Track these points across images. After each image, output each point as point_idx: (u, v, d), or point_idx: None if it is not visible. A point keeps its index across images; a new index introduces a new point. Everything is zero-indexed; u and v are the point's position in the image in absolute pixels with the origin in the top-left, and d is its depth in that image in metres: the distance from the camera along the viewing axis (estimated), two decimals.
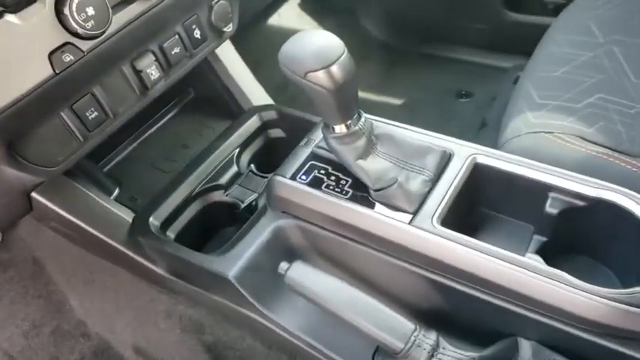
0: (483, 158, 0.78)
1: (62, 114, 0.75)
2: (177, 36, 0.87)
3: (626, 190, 0.71)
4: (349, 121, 0.75)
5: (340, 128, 0.75)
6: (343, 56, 0.68)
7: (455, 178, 0.76)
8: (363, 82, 1.60)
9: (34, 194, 0.87)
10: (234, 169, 0.99)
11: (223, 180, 0.98)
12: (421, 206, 0.74)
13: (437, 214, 0.72)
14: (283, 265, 0.75)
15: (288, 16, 1.68)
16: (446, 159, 0.79)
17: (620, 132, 0.94)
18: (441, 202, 0.74)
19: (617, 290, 0.63)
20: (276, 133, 1.07)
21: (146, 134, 1.11)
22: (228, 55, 1.08)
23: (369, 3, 1.75)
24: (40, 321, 1.14)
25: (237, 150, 1.02)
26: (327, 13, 1.73)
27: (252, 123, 1.05)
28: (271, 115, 1.06)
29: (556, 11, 1.28)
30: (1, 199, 0.80)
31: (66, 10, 0.66)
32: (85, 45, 0.70)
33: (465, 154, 0.79)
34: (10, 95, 0.65)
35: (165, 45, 0.85)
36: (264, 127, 1.06)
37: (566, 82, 1.03)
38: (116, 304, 1.08)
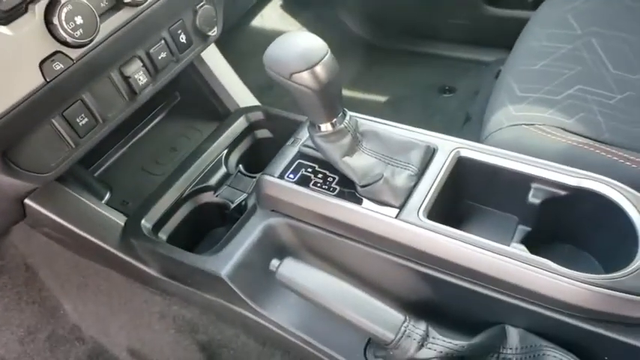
0: (466, 152, 0.80)
1: (53, 121, 0.77)
2: (163, 41, 0.88)
3: (606, 179, 0.73)
4: (334, 120, 0.77)
5: (326, 127, 0.77)
6: (327, 57, 0.69)
7: (439, 172, 0.78)
8: (346, 81, 1.62)
9: (27, 201, 0.88)
10: (222, 170, 1.01)
11: (213, 181, 0.99)
12: (407, 200, 0.76)
13: (423, 208, 0.74)
14: (274, 263, 0.76)
15: (271, 17, 1.69)
16: (430, 154, 0.81)
17: (599, 122, 0.96)
18: (426, 196, 0.76)
19: (600, 276, 0.65)
20: (263, 133, 1.09)
21: (135, 139, 1.12)
22: (213, 57, 1.09)
23: (349, 2, 1.76)
24: (35, 327, 1.14)
25: (226, 151, 1.03)
26: (308, 13, 1.75)
27: (239, 124, 1.06)
28: (258, 115, 1.07)
29: (535, 5, 1.30)
30: None
31: (55, 20, 0.68)
32: (74, 53, 0.72)
33: (449, 148, 0.81)
34: (3, 105, 0.67)
35: (151, 50, 0.87)
36: (251, 127, 1.08)
37: (546, 74, 1.06)
38: (110, 307, 1.09)
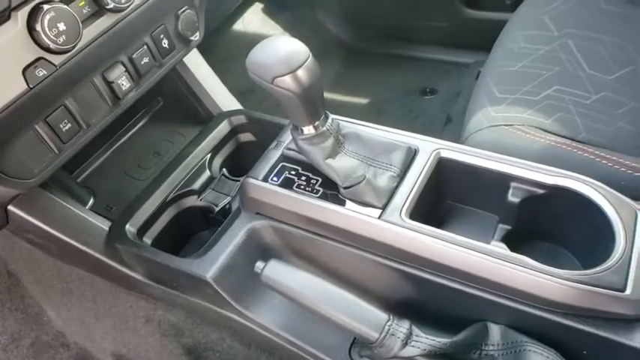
0: (447, 152, 0.82)
1: (37, 127, 0.77)
2: (145, 46, 0.88)
3: (583, 177, 0.75)
4: (317, 123, 0.78)
5: (308, 130, 0.78)
6: (308, 61, 0.70)
7: (420, 172, 0.79)
8: (327, 83, 1.63)
9: (10, 207, 0.88)
10: (206, 174, 1.01)
11: (196, 185, 0.99)
12: (389, 201, 0.77)
13: (405, 208, 0.75)
14: (259, 265, 0.77)
15: (252, 21, 1.70)
16: (411, 155, 0.82)
17: (576, 122, 0.99)
18: (408, 197, 0.77)
19: (578, 272, 0.66)
20: (246, 137, 1.09)
21: (118, 143, 1.11)
22: (195, 62, 1.10)
23: (329, 5, 1.78)
24: (19, 334, 1.13)
25: (209, 155, 1.03)
26: (289, 16, 1.76)
27: (222, 128, 1.06)
28: (240, 119, 1.08)
29: (513, 7, 1.33)
30: None
31: (38, 27, 0.68)
32: (57, 59, 0.72)
33: (430, 149, 0.82)
34: None
35: (134, 56, 0.87)
36: (234, 131, 1.08)
37: (524, 75, 1.08)
38: (94, 312, 1.08)
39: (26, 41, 0.68)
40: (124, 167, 1.07)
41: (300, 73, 0.69)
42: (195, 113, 1.12)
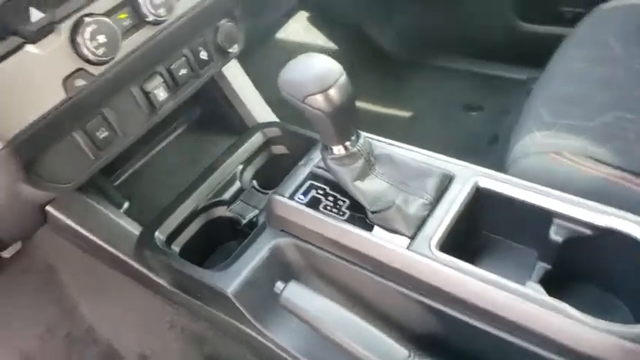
0: (485, 181, 0.77)
1: (74, 134, 0.79)
2: (184, 58, 0.89)
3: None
4: (347, 143, 0.75)
5: (338, 149, 0.75)
6: (341, 79, 0.68)
7: (455, 201, 0.75)
8: (369, 95, 1.59)
9: (48, 207, 0.91)
10: (237, 185, 1.01)
11: (227, 195, 0.99)
12: (419, 230, 0.73)
13: (435, 239, 0.71)
14: (279, 285, 0.75)
15: (296, 29, 1.69)
16: (446, 182, 0.78)
17: (636, 153, 0.90)
18: (439, 227, 0.73)
19: (629, 326, 0.59)
20: (279, 149, 1.08)
21: (155, 150, 1.14)
22: (233, 72, 1.10)
23: (377, 15, 1.73)
24: (54, 325, 1.18)
25: (241, 166, 1.03)
26: (334, 26, 1.72)
27: (256, 140, 1.06)
28: (275, 132, 1.07)
29: (573, 21, 1.24)
30: (19, 213, 0.84)
31: (79, 39, 0.70)
32: (96, 70, 0.74)
33: (467, 176, 0.77)
34: (27, 119, 0.69)
35: (172, 67, 0.88)
36: (268, 143, 1.08)
37: (579, 98, 1.00)
38: (124, 312, 1.11)
39: (67, 52, 0.71)
40: (159, 173, 1.09)
41: (332, 92, 0.67)
42: (231, 123, 1.13)
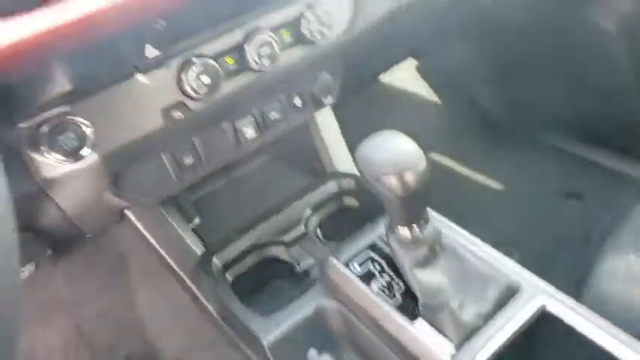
0: (553, 305, 0.70)
1: (162, 156, 0.85)
2: (278, 103, 0.92)
3: None
4: (415, 226, 0.72)
5: (404, 231, 0.73)
6: (419, 163, 0.66)
7: (514, 319, 0.69)
8: (462, 156, 1.52)
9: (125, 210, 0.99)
10: (301, 229, 1.01)
11: (288, 237, 1.00)
12: (467, 341, 0.68)
13: (482, 357, 0.66)
14: (312, 354, 0.74)
15: (402, 77, 1.66)
16: (510, 294, 0.72)
17: None
18: (489, 343, 0.67)
19: None
20: (351, 201, 1.07)
21: (233, 176, 1.18)
22: (324, 116, 1.10)
23: (488, 80, 1.64)
24: (110, 309, 1.27)
25: (309, 211, 1.04)
26: (441, 80, 1.67)
27: (330, 188, 1.06)
28: (350, 183, 1.06)
29: None
30: (100, 214, 0.91)
31: (185, 76, 0.75)
32: (194, 105, 0.79)
33: (533, 293, 0.71)
34: (125, 138, 0.76)
35: (265, 109, 0.91)
36: (340, 194, 1.07)
37: None
38: (172, 317, 1.16)
39: (172, 86, 0.76)
40: (233, 198, 1.13)
41: (407, 175, 0.65)
42: (310, 165, 1.14)
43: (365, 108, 1.21)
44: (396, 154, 0.66)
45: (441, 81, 1.68)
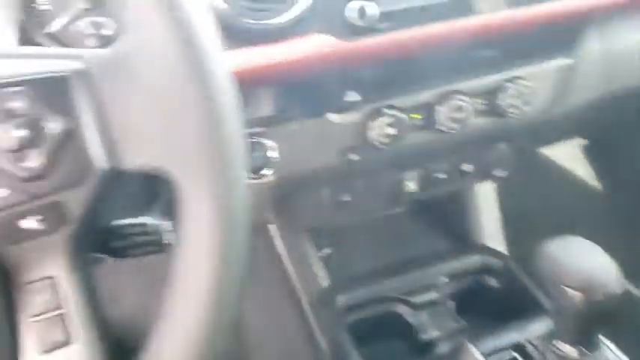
0: None
1: (322, 189, 0.87)
2: (447, 164, 0.90)
3: None
4: (582, 348, 0.64)
5: (569, 350, 0.65)
6: (611, 283, 0.59)
7: None
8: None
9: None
10: (433, 294, 0.96)
11: (418, 299, 0.96)
12: None
13: None
14: None
15: (563, 155, 1.51)
16: None
17: None
18: None
19: None
20: (491, 282, 1.00)
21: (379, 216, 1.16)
22: (485, 184, 1.05)
23: None
24: None
25: (445, 279, 0.98)
26: (608, 164, 1.47)
27: (473, 260, 1.00)
28: (496, 263, 0.99)
29: None
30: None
31: (372, 123, 0.76)
32: (372, 152, 0.78)
33: None
34: (300, 167, 0.78)
35: (432, 167, 0.89)
36: (482, 270, 1.00)
37: None
38: (265, 334, 1.16)
39: (356, 129, 0.77)
40: (367, 240, 1.11)
41: (591, 293, 0.59)
42: (455, 230, 1.09)
43: (520, 181, 1.12)
44: (587, 267, 0.61)
45: (606, 164, 1.50)
